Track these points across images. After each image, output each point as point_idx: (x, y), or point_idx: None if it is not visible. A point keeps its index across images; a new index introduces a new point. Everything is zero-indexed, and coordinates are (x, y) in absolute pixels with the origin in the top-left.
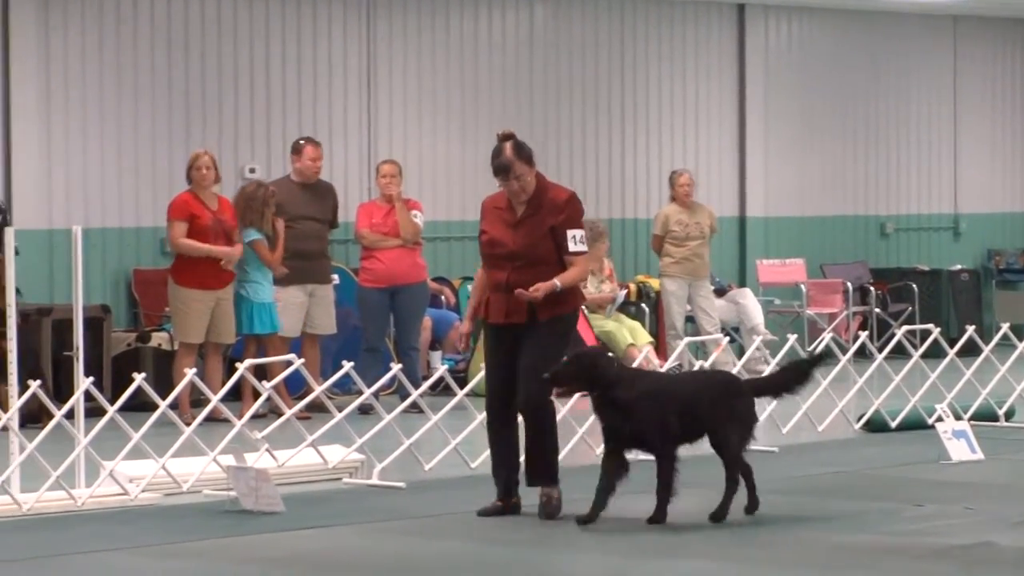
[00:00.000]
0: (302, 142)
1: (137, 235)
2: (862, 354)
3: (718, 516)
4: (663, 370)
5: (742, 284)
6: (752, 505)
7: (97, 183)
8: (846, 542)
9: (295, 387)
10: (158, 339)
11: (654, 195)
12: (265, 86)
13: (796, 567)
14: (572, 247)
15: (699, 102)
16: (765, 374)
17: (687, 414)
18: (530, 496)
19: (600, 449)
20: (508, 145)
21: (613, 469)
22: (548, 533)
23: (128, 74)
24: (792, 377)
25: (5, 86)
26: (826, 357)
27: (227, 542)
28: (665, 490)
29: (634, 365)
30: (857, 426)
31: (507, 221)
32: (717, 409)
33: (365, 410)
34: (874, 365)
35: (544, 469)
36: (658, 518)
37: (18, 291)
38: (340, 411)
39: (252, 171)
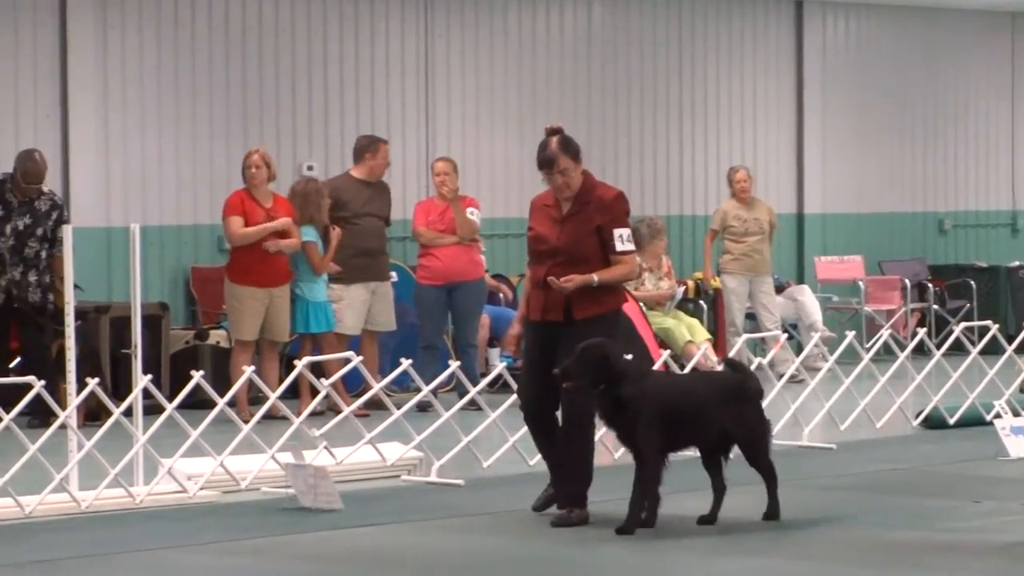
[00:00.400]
0: (381, 142)
1: (195, 232)
2: (920, 351)
3: (770, 515)
4: (718, 367)
5: (800, 281)
6: (770, 513)
7: (155, 181)
8: (904, 539)
9: (353, 384)
10: (216, 337)
11: (712, 192)
12: (323, 84)
13: (854, 564)
14: (619, 246)
15: (757, 99)
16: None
17: (694, 416)
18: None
19: (619, 452)
20: (555, 139)
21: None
22: (603, 532)
23: (185, 72)
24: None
25: (63, 85)
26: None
27: (285, 539)
28: (639, 497)
29: (692, 362)
30: (915, 423)
31: (553, 218)
32: (726, 413)
33: (423, 407)
34: (932, 362)
35: (573, 491)
36: (627, 528)
37: (78, 287)
38: (398, 408)
39: (310, 168)
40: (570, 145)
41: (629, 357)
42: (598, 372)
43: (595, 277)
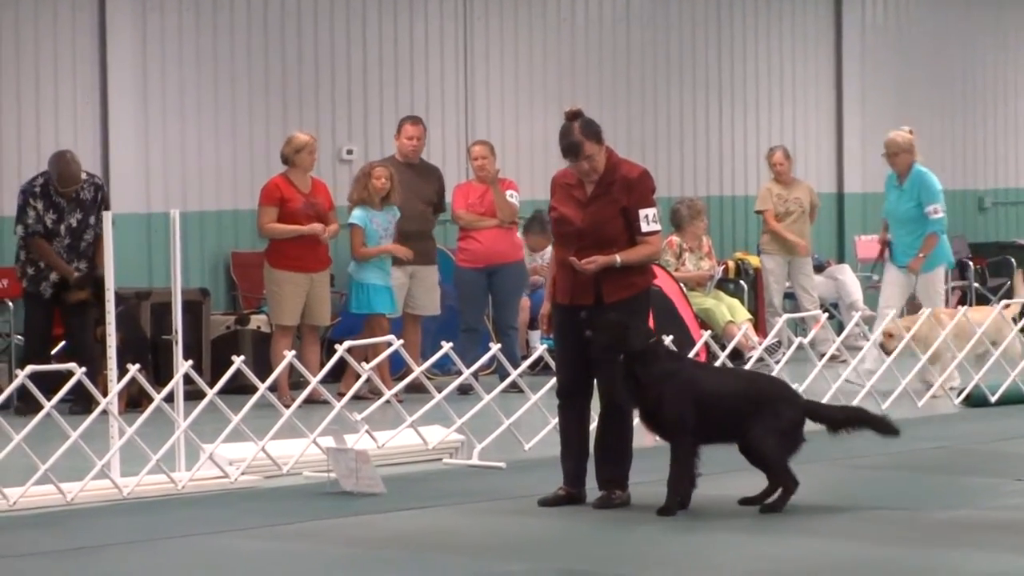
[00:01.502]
0: (404, 120)
1: (235, 218)
2: None
3: (772, 507)
4: (761, 347)
5: (840, 260)
6: (772, 506)
7: (195, 166)
8: (946, 517)
9: (394, 368)
10: (257, 322)
11: (752, 172)
12: (362, 67)
13: (897, 543)
14: (645, 227)
15: (796, 78)
16: (828, 403)
17: (716, 410)
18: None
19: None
20: (576, 125)
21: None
22: (646, 515)
23: (224, 56)
24: (849, 420)
25: (103, 70)
26: (891, 431)
27: (328, 523)
28: (675, 480)
29: (733, 342)
30: (957, 401)
31: (577, 199)
32: (756, 415)
33: (464, 390)
34: (973, 340)
35: (614, 474)
36: (667, 510)
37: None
38: (439, 392)
39: (350, 152)
40: (592, 128)
41: (669, 339)
42: (618, 344)
43: (618, 258)
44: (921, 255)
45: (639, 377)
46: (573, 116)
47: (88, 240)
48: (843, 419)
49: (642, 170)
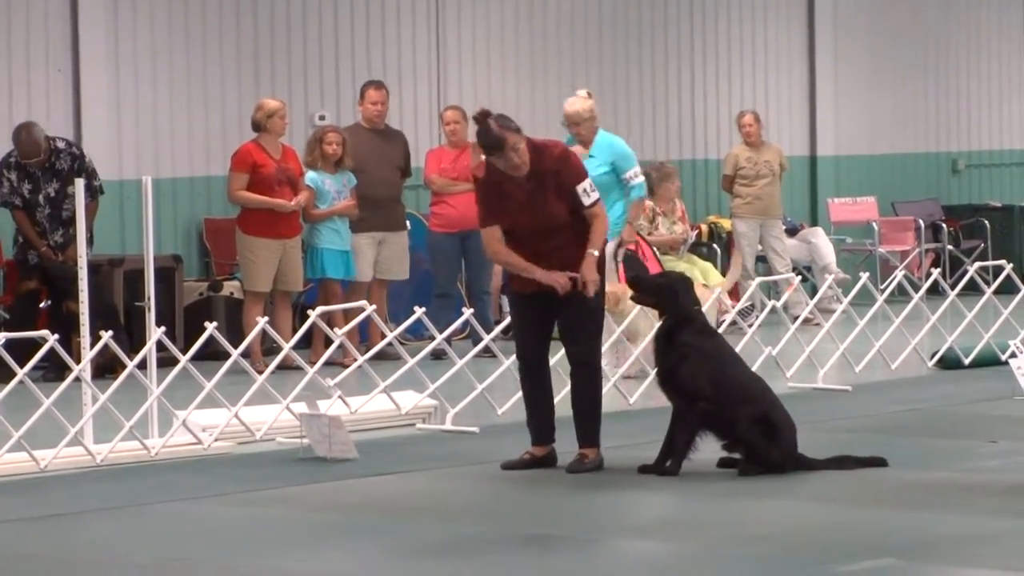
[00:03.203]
0: (367, 85)
1: (208, 184)
2: (935, 291)
3: (747, 471)
4: (735, 309)
5: (814, 223)
6: (747, 469)
7: (167, 132)
8: (920, 479)
9: (362, 335)
10: (230, 288)
11: (724, 136)
12: (333, 32)
13: (870, 505)
14: (587, 200)
15: (768, 41)
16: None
17: (724, 396)
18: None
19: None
20: (491, 121)
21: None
22: (621, 478)
23: (196, 22)
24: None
25: (74, 37)
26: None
27: (301, 489)
28: (683, 444)
29: (707, 304)
30: (930, 363)
31: (518, 200)
32: (755, 424)
33: (438, 355)
34: (947, 302)
35: (588, 431)
36: (671, 470)
37: (91, 242)
38: (412, 356)
39: (322, 118)
40: (507, 121)
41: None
42: (666, 302)
43: (594, 252)
44: (631, 224)
45: (674, 338)
46: (484, 116)
47: (68, 209)
48: (830, 467)
49: (562, 146)
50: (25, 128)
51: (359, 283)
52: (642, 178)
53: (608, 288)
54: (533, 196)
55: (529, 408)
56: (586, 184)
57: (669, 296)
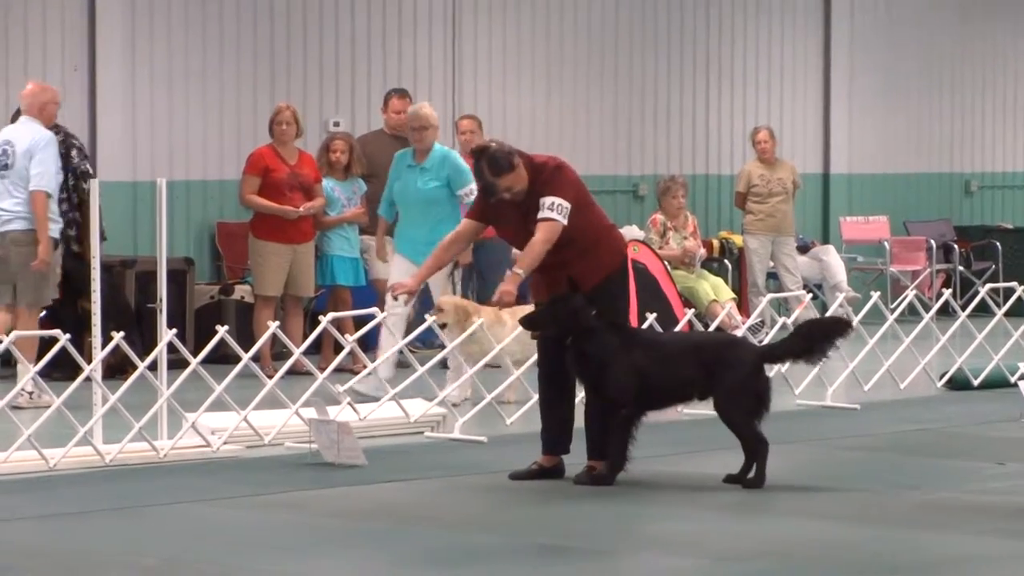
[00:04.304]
0: (391, 94)
1: (221, 188)
2: (945, 312)
3: (753, 483)
4: (745, 326)
5: (825, 241)
6: (753, 482)
7: (181, 135)
8: (928, 500)
9: (371, 341)
10: (241, 292)
11: (738, 151)
12: (350, 39)
13: (876, 524)
14: (540, 213)
15: (784, 58)
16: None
17: (670, 376)
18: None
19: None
20: (484, 165)
21: (618, 431)
22: (628, 490)
23: (213, 26)
24: (808, 340)
25: (91, 38)
26: (844, 327)
27: (309, 494)
28: (616, 449)
29: (716, 321)
30: (939, 384)
31: (514, 220)
32: (710, 374)
33: (447, 364)
34: (957, 323)
35: (599, 443)
36: (604, 478)
37: (104, 237)
38: (422, 365)
39: (336, 124)
40: (499, 162)
41: (652, 317)
42: (565, 324)
43: (520, 272)
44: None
45: (586, 352)
46: (479, 154)
47: (69, 198)
48: (801, 344)
49: (553, 165)
50: None
51: (380, 281)
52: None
53: (455, 302)
54: (527, 216)
55: (544, 417)
56: (554, 199)
57: (567, 317)
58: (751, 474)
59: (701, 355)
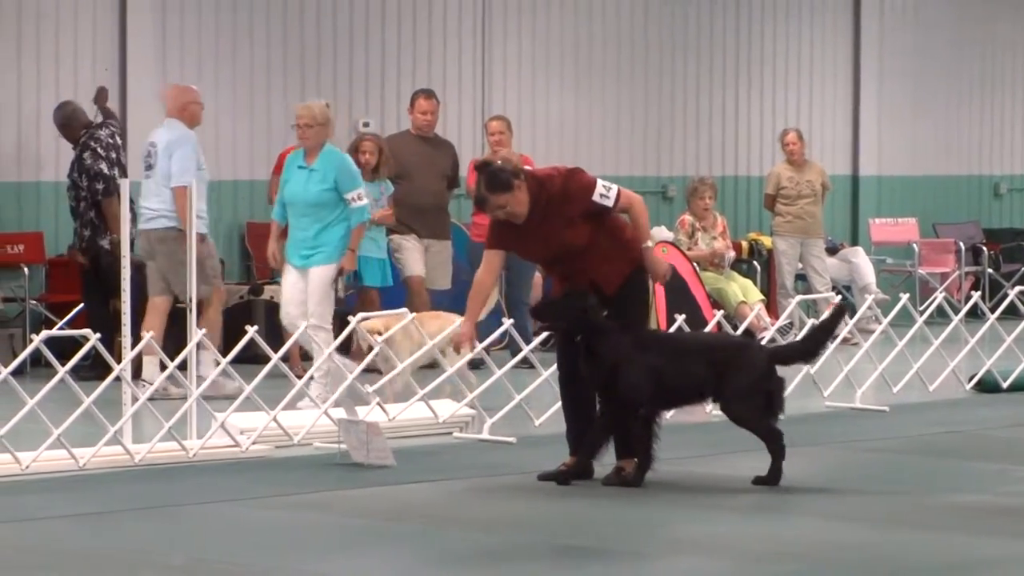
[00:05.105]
0: (418, 94)
1: (251, 188)
2: (974, 314)
3: (768, 480)
4: (773, 328)
5: (854, 243)
6: (767, 479)
7: (212, 136)
8: (956, 502)
9: None
10: (270, 292)
11: (767, 153)
12: (380, 40)
13: (906, 527)
14: (610, 203)
15: (814, 60)
16: (789, 342)
17: (681, 376)
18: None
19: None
20: (482, 179)
21: (639, 432)
22: (657, 492)
23: (243, 27)
24: (815, 342)
25: (122, 39)
26: (840, 314)
27: (337, 495)
28: (641, 453)
29: (745, 323)
30: (968, 386)
31: (526, 235)
32: (721, 376)
33: (476, 365)
34: (986, 325)
35: (626, 444)
36: (635, 480)
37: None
38: (451, 365)
39: (366, 124)
40: (497, 180)
41: (682, 318)
42: (576, 321)
43: (648, 244)
44: (353, 250)
45: (596, 352)
46: (481, 167)
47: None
48: (810, 346)
49: (562, 177)
50: (56, 113)
51: (411, 278)
52: (366, 201)
53: (386, 324)
54: (538, 230)
55: (568, 419)
56: (600, 189)
57: (577, 315)
58: (766, 473)
59: (712, 356)
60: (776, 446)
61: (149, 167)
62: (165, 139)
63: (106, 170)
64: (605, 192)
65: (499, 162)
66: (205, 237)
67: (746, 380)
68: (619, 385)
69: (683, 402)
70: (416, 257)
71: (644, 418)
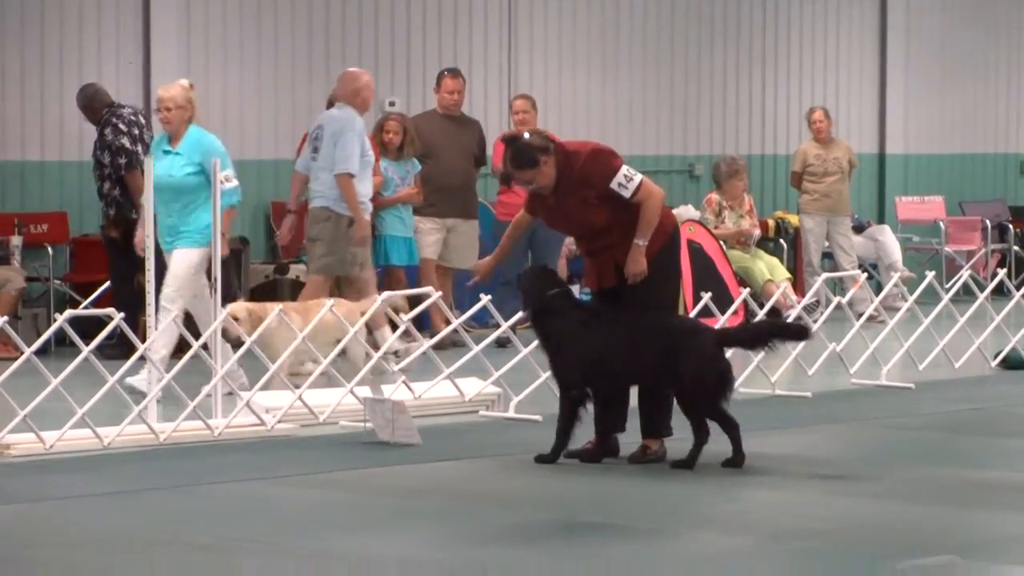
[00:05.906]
0: (444, 73)
1: (276, 167)
2: (1000, 292)
3: (685, 463)
4: (800, 306)
5: (881, 221)
6: (734, 461)
7: (236, 116)
8: (981, 478)
9: (425, 321)
10: (296, 271)
11: (794, 132)
12: (406, 19)
13: (931, 503)
14: (628, 192)
15: (840, 39)
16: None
17: (624, 357)
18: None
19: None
20: (509, 153)
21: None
22: (677, 471)
23: (268, 7)
24: (760, 335)
25: (146, 17)
26: (803, 334)
27: (363, 473)
28: (561, 430)
29: (771, 301)
30: (994, 363)
31: (551, 208)
32: (670, 360)
33: (502, 343)
34: (1012, 303)
35: (654, 423)
36: (547, 457)
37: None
38: (477, 344)
39: (392, 104)
40: (523, 156)
41: (708, 296)
42: (527, 299)
43: (638, 241)
44: (225, 232)
45: (546, 332)
46: (509, 141)
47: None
48: (754, 336)
49: (587, 152)
50: (78, 95)
51: (421, 260)
52: (236, 183)
53: (247, 308)
54: (561, 206)
55: (594, 399)
56: (620, 178)
57: (526, 292)
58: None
59: (662, 340)
60: (732, 429)
61: (315, 149)
62: (332, 124)
63: (128, 144)
64: (624, 182)
65: (526, 136)
66: (354, 221)
67: (698, 365)
68: (555, 365)
69: (632, 383)
70: (431, 240)
71: (604, 399)
